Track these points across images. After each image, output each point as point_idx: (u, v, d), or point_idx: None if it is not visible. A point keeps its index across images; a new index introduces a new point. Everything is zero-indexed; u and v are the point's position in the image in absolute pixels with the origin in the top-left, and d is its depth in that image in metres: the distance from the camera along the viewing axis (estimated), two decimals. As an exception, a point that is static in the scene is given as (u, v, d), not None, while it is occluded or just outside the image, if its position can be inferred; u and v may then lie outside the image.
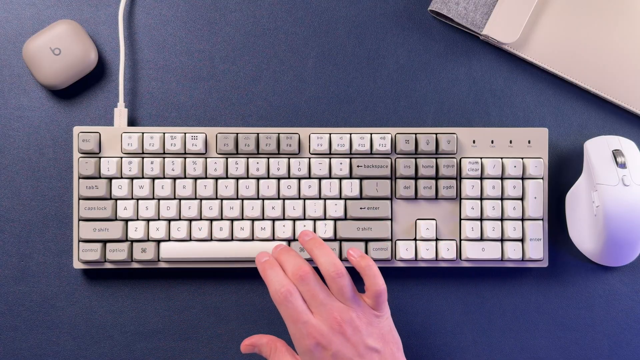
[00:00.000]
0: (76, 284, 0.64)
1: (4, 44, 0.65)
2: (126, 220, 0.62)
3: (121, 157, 0.62)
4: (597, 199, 0.61)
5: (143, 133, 0.62)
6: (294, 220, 0.63)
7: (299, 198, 0.63)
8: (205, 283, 0.64)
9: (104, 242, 0.62)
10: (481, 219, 0.63)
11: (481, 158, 0.63)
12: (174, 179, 0.62)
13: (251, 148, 0.62)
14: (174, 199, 0.62)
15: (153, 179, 0.62)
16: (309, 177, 0.63)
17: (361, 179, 0.63)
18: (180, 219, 0.62)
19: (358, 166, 0.63)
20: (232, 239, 0.62)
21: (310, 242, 0.58)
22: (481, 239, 0.63)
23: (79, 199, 0.62)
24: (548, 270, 0.65)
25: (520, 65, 0.67)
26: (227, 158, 0.63)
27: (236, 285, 0.65)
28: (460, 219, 0.63)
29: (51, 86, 0.63)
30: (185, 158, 0.63)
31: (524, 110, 0.66)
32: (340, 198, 0.63)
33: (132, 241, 0.62)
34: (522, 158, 0.63)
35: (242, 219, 0.62)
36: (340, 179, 0.63)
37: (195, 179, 0.63)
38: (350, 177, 0.63)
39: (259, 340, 0.59)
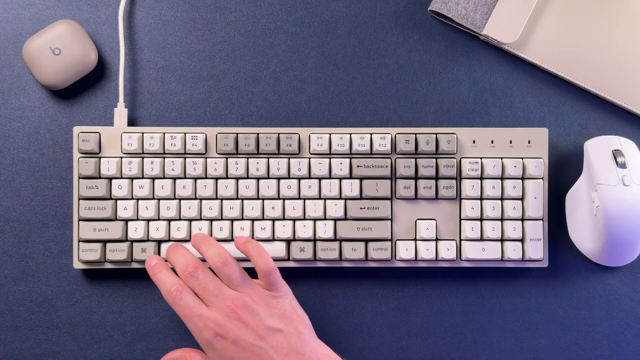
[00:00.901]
0: (76, 284, 0.64)
1: (4, 44, 0.65)
2: (126, 220, 0.62)
3: (121, 157, 0.62)
4: (597, 199, 0.61)
5: (143, 133, 0.62)
6: (294, 220, 0.63)
7: (299, 198, 0.63)
8: (205, 283, 0.64)
9: (104, 242, 0.62)
10: (481, 219, 0.63)
11: (481, 158, 0.63)
12: (174, 179, 0.62)
13: (251, 148, 0.62)
14: (174, 199, 0.62)
15: (153, 179, 0.62)
16: (309, 177, 0.63)
17: (361, 179, 0.63)
18: (180, 219, 0.62)
19: (358, 166, 0.63)
20: (232, 239, 0.62)
21: (199, 241, 0.59)
22: (481, 239, 0.63)
23: (79, 199, 0.62)
24: (548, 270, 0.65)
25: (520, 65, 0.67)
26: (227, 158, 0.63)
27: (236, 285, 0.65)
28: (460, 219, 0.63)
29: (51, 86, 0.63)
30: (185, 158, 0.63)
31: (524, 110, 0.66)
32: (340, 198, 0.63)
33: (132, 241, 0.62)
34: (522, 158, 0.63)
35: (242, 219, 0.62)
36: (340, 179, 0.63)
37: (195, 179, 0.63)
38: (350, 177, 0.63)
39: (172, 356, 0.59)
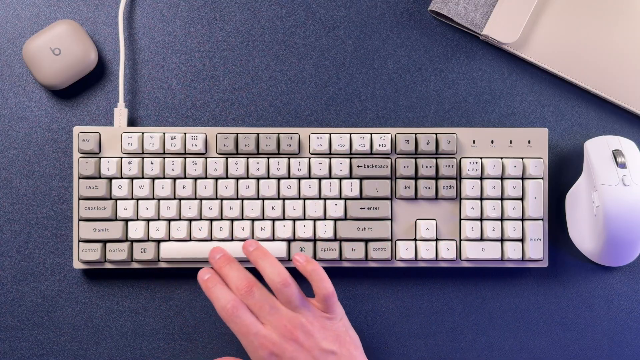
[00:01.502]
0: (76, 284, 0.64)
1: (4, 44, 0.65)
2: (126, 220, 0.62)
3: (121, 157, 0.62)
4: (597, 199, 0.61)
5: (143, 133, 0.62)
6: (294, 220, 0.63)
7: (299, 198, 0.63)
8: (205, 283, 0.64)
9: (104, 242, 0.62)
10: (481, 219, 0.63)
11: (481, 158, 0.63)
12: (174, 179, 0.62)
13: (251, 148, 0.62)
14: (174, 199, 0.62)
15: (153, 179, 0.62)
16: (309, 177, 0.63)
17: (361, 179, 0.63)
18: (180, 219, 0.62)
19: (358, 166, 0.63)
20: (232, 239, 0.62)
21: (255, 253, 0.58)
22: (481, 239, 0.63)
23: (79, 199, 0.62)
24: (548, 270, 0.65)
25: (520, 65, 0.67)
26: (227, 158, 0.63)
27: (236, 285, 0.65)
28: (460, 219, 0.63)
29: (51, 86, 0.63)
30: (185, 158, 0.63)
31: (524, 110, 0.66)
32: (340, 198, 0.63)
33: (132, 241, 0.62)
34: (522, 158, 0.63)
35: (242, 219, 0.62)
36: (340, 179, 0.63)
37: (195, 179, 0.63)
38: (350, 177, 0.63)
39: None
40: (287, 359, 0.55)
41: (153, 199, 0.62)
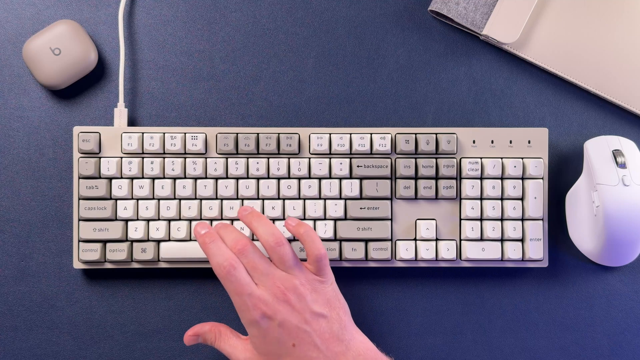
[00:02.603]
0: (76, 284, 0.64)
1: (4, 44, 0.65)
2: (126, 220, 0.62)
3: (121, 157, 0.62)
4: (597, 199, 0.61)
5: (143, 133, 0.62)
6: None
7: (299, 198, 0.63)
8: (205, 283, 0.64)
9: (104, 242, 0.62)
10: (481, 219, 0.63)
11: (481, 158, 0.63)
12: (174, 179, 0.62)
13: (251, 148, 0.62)
14: (174, 199, 0.62)
15: (153, 179, 0.62)
16: (309, 177, 0.63)
17: (361, 179, 0.63)
18: (180, 219, 0.62)
19: (358, 166, 0.63)
20: (232, 239, 0.62)
21: (249, 216, 0.58)
22: (481, 239, 0.63)
23: (79, 199, 0.62)
24: (548, 270, 0.65)
25: (520, 65, 0.67)
26: (227, 158, 0.63)
27: (236, 285, 0.65)
28: (460, 219, 0.63)
29: (51, 86, 0.63)
30: (185, 158, 0.63)
31: (524, 110, 0.66)
32: (340, 198, 0.63)
33: (132, 241, 0.62)
34: (522, 158, 0.63)
35: (242, 219, 0.62)
36: (340, 179, 0.63)
37: (195, 179, 0.63)
38: (350, 177, 0.63)
39: (202, 329, 0.59)
40: (279, 320, 0.55)
41: (153, 199, 0.62)
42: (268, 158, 0.63)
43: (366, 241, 0.63)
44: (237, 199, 0.63)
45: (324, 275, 0.57)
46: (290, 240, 0.61)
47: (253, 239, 0.61)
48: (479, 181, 0.63)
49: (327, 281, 0.57)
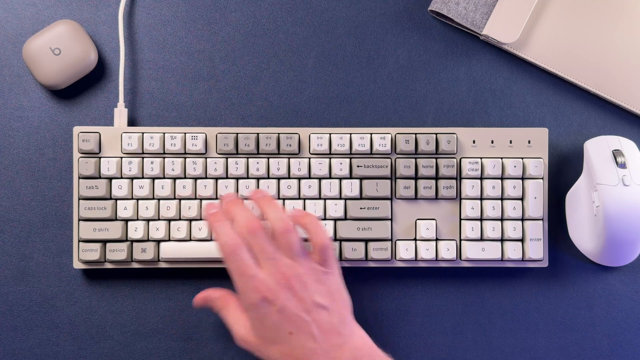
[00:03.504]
0: (76, 284, 0.64)
1: (4, 44, 0.65)
2: (126, 220, 0.62)
3: (121, 157, 0.62)
4: (597, 199, 0.61)
5: (143, 133, 0.62)
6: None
7: (299, 198, 0.63)
8: (205, 283, 0.64)
9: (104, 242, 0.62)
10: (481, 219, 0.63)
11: (481, 158, 0.63)
12: (174, 179, 0.62)
13: (251, 148, 0.62)
14: (174, 199, 0.62)
15: (153, 179, 0.62)
16: (309, 177, 0.63)
17: (361, 179, 0.63)
18: (180, 219, 0.62)
19: (358, 166, 0.63)
20: (232, 239, 0.62)
21: (261, 199, 0.58)
22: (481, 239, 0.63)
23: (79, 199, 0.62)
24: (548, 270, 0.65)
25: (520, 65, 0.67)
26: (227, 158, 0.63)
27: (236, 285, 0.65)
28: (460, 219, 0.63)
29: (51, 86, 0.63)
30: (185, 158, 0.63)
31: (524, 110, 0.66)
32: (340, 198, 0.63)
33: (132, 241, 0.62)
34: (522, 158, 0.63)
35: (242, 219, 0.62)
36: (340, 179, 0.63)
37: (195, 179, 0.63)
38: (350, 177, 0.63)
39: (212, 294, 0.59)
40: (279, 306, 0.54)
41: (153, 199, 0.62)
42: (268, 158, 0.63)
43: (366, 241, 0.63)
44: (237, 199, 0.63)
45: (329, 266, 0.57)
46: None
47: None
48: (479, 181, 0.63)
49: (332, 272, 0.57)
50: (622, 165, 0.61)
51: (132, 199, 0.62)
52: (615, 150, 0.62)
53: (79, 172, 0.62)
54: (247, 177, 0.63)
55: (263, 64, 0.66)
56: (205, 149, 0.63)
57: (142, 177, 0.62)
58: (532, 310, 0.65)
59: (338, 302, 0.56)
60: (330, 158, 0.63)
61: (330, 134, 0.63)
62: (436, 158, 0.63)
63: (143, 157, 0.62)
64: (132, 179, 0.62)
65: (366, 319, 0.65)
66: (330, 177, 0.63)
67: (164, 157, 0.62)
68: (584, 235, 0.63)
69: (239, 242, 0.55)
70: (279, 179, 0.63)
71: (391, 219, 0.63)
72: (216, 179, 0.63)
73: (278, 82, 0.66)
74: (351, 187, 0.63)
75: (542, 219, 0.63)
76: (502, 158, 0.63)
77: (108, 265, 0.62)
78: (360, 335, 0.57)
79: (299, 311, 0.54)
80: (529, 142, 0.63)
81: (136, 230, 0.62)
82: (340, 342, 0.55)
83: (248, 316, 0.56)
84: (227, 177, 0.63)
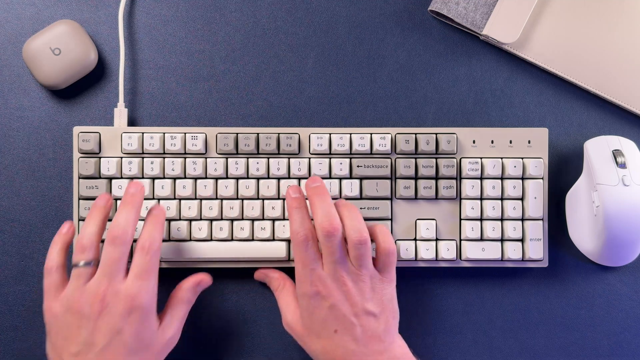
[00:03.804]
0: (76, 284, 0.64)
1: (4, 44, 0.65)
2: (126, 220, 0.62)
3: (121, 157, 0.62)
4: (597, 199, 0.61)
5: (143, 133, 0.62)
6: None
7: (299, 198, 0.63)
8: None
9: (104, 241, 0.62)
10: (481, 219, 0.63)
11: (481, 158, 0.63)
12: (174, 179, 0.62)
13: (251, 148, 0.62)
14: (174, 199, 0.62)
15: (153, 179, 0.62)
16: (309, 177, 0.63)
17: (361, 179, 0.63)
18: (180, 219, 0.62)
19: (358, 166, 0.63)
20: (232, 239, 0.62)
21: (344, 207, 0.58)
22: (481, 239, 0.63)
23: (79, 199, 0.62)
24: (548, 270, 0.65)
25: (520, 65, 0.67)
26: (227, 158, 0.63)
27: (236, 285, 0.65)
28: (460, 219, 0.63)
29: (51, 86, 0.63)
30: (185, 158, 0.63)
31: (524, 110, 0.66)
32: (340, 198, 0.63)
33: (132, 241, 0.62)
34: (522, 158, 0.63)
35: (242, 219, 0.62)
36: (340, 179, 0.63)
37: (195, 179, 0.63)
38: (350, 177, 0.63)
39: (271, 273, 0.62)
40: (330, 303, 0.56)
41: (153, 199, 0.62)
42: (268, 158, 0.63)
43: (366, 241, 0.63)
44: (237, 199, 0.63)
45: (387, 274, 0.58)
46: None
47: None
48: (479, 181, 0.63)
49: (389, 281, 0.58)
50: (622, 165, 0.61)
51: (132, 199, 0.62)
52: (615, 150, 0.62)
53: (79, 172, 0.62)
54: (247, 177, 0.63)
55: (263, 64, 0.66)
56: (205, 149, 0.63)
57: (142, 177, 0.62)
58: (532, 310, 0.65)
59: (387, 312, 0.57)
60: (330, 158, 0.63)
61: (330, 134, 0.63)
62: (436, 158, 0.63)
63: (143, 157, 0.62)
64: (132, 179, 0.62)
65: (366, 319, 0.65)
66: (330, 177, 0.63)
67: (164, 157, 0.62)
68: (584, 235, 0.63)
69: (310, 235, 0.56)
70: (279, 179, 0.63)
71: (391, 219, 0.63)
72: (216, 179, 0.63)
73: (278, 82, 0.66)
74: (351, 187, 0.63)
75: (542, 219, 0.63)
76: (502, 158, 0.63)
77: (108, 265, 0.62)
78: (400, 345, 0.58)
79: (348, 313, 0.56)
80: (529, 142, 0.63)
81: (136, 230, 0.62)
82: (380, 349, 0.56)
83: (300, 304, 0.58)
84: (227, 177, 0.63)
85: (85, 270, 0.54)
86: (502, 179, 0.63)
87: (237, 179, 0.63)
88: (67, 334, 0.54)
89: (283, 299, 0.60)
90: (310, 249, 0.56)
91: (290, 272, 0.63)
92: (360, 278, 0.56)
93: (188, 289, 0.59)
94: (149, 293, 0.55)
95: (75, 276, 0.55)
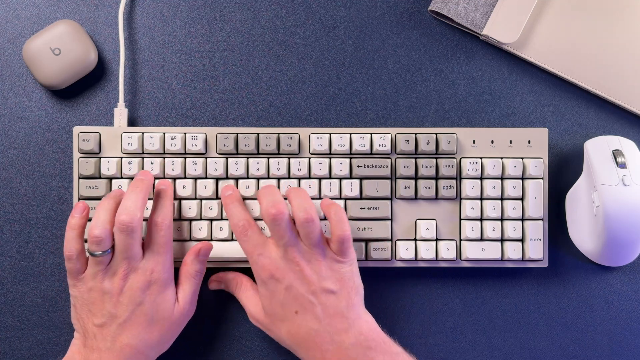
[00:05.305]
0: (76, 284, 0.64)
1: (4, 44, 0.65)
2: (126, 220, 0.62)
3: (121, 157, 0.62)
4: (597, 199, 0.61)
5: (143, 133, 0.62)
6: (294, 220, 0.62)
7: (299, 198, 0.63)
8: (205, 282, 0.64)
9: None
10: (481, 219, 0.63)
11: (481, 158, 0.63)
12: (174, 179, 0.62)
13: (251, 148, 0.62)
14: (174, 199, 0.62)
15: (153, 179, 0.62)
16: (309, 177, 0.63)
17: (361, 179, 0.63)
18: (180, 219, 0.62)
19: (358, 166, 0.63)
20: (232, 239, 0.62)
21: (291, 190, 0.59)
22: (481, 239, 0.63)
23: (79, 199, 0.62)
24: (548, 270, 0.65)
25: (520, 65, 0.67)
26: (227, 158, 0.63)
27: (236, 285, 0.65)
28: (460, 219, 0.63)
29: (51, 86, 0.63)
30: (185, 158, 0.63)
31: (524, 110, 0.66)
32: (340, 198, 0.63)
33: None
34: (522, 158, 0.63)
35: (242, 219, 0.62)
36: (340, 179, 0.63)
37: (195, 179, 0.63)
38: (350, 177, 0.63)
39: (225, 276, 0.63)
40: (285, 285, 0.56)
41: (153, 198, 0.62)
42: (268, 158, 0.63)
43: (366, 241, 0.63)
44: (237, 199, 0.63)
45: (344, 257, 0.58)
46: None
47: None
48: (479, 181, 0.63)
49: (346, 262, 0.58)
50: (622, 165, 0.61)
51: (132, 199, 0.62)
52: (615, 150, 0.62)
53: (79, 172, 0.62)
54: (247, 177, 0.63)
55: (263, 64, 0.66)
56: (205, 149, 0.63)
57: (142, 177, 0.62)
58: (532, 310, 0.65)
59: (347, 289, 0.57)
60: (330, 158, 0.63)
61: (330, 134, 0.63)
62: (436, 158, 0.63)
63: (143, 157, 0.62)
64: (132, 179, 0.62)
65: (366, 319, 0.65)
66: (330, 177, 0.63)
67: (164, 157, 0.62)
68: (584, 235, 0.63)
69: (247, 223, 0.58)
70: (279, 179, 0.63)
71: (391, 219, 0.63)
72: (216, 179, 0.63)
73: (278, 82, 0.66)
74: (351, 187, 0.63)
75: (542, 219, 0.63)
76: (502, 158, 0.63)
77: (108, 265, 0.62)
78: (367, 320, 0.58)
79: (305, 292, 0.56)
80: (529, 142, 0.63)
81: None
82: (345, 326, 0.56)
83: (259, 294, 0.58)
84: (227, 177, 0.63)
85: (103, 257, 0.57)
86: (502, 179, 0.63)
87: (237, 179, 0.63)
88: (92, 307, 0.57)
89: (243, 295, 0.61)
90: (254, 235, 0.57)
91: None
92: (314, 257, 0.57)
93: (191, 262, 0.60)
94: (166, 266, 0.58)
95: (94, 263, 0.57)
